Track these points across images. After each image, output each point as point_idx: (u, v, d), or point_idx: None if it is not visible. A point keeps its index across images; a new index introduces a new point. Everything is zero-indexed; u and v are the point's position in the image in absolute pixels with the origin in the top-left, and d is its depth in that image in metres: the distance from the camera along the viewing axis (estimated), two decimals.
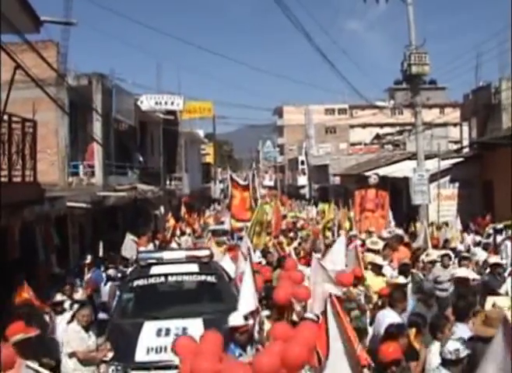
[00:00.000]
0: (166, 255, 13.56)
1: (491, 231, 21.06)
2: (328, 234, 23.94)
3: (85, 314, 10.07)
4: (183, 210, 33.17)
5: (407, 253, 15.60)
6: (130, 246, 20.39)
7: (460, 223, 23.18)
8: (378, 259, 13.02)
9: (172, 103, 42.33)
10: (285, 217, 36.27)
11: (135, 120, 34.16)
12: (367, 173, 43.32)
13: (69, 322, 10.10)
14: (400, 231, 21.99)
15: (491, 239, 19.38)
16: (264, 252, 17.01)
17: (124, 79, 33.29)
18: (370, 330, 9.82)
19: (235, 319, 8.29)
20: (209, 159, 73.56)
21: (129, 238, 20.77)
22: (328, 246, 18.08)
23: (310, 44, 25.09)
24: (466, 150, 37.98)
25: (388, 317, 8.87)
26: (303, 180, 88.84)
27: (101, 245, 19.08)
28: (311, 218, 35.79)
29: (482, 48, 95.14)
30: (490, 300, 8.73)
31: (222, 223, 34.98)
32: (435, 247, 17.60)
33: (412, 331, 8.14)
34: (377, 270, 12.47)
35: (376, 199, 25.65)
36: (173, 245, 23.93)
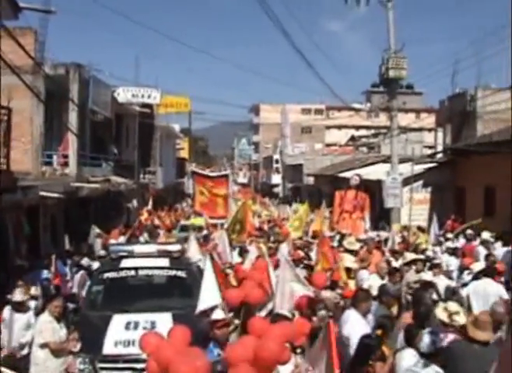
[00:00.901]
0: (137, 248, 13.48)
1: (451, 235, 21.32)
2: (301, 234, 23.67)
3: (57, 305, 10.05)
4: (150, 204, 32.88)
5: (381, 257, 15.53)
6: (94, 239, 20.22)
7: (438, 228, 23.09)
8: (349, 263, 12.97)
9: (149, 96, 42.22)
10: (259, 216, 36.23)
11: (111, 112, 34.03)
12: (343, 174, 43.51)
13: (38, 313, 10.06)
14: (376, 234, 21.88)
15: (458, 243, 19.55)
16: (242, 251, 16.87)
17: (102, 70, 33.12)
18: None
19: (214, 313, 8.30)
20: (184, 154, 73.45)
21: (94, 231, 20.57)
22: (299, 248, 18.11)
23: (289, 43, 25.07)
24: (440, 155, 38.24)
25: (351, 316, 8.95)
26: (276, 179, 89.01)
27: (67, 237, 18.94)
28: (283, 218, 35.62)
29: (460, 56, 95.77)
30: (441, 305, 8.83)
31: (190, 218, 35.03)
32: (406, 250, 17.69)
33: (379, 332, 8.21)
34: (350, 273, 12.41)
35: (355, 200, 25.50)
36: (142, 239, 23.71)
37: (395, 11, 27.64)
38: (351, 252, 15.62)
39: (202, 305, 9.03)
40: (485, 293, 11.55)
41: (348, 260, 13.94)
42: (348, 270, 12.80)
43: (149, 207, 31.75)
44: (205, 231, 23.84)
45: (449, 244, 19.48)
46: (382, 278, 12.28)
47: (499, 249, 17.71)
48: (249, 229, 22.26)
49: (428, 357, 7.03)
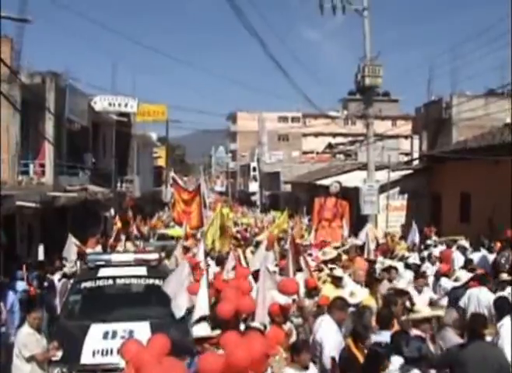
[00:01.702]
0: (114, 257, 13.48)
1: (431, 242, 21.33)
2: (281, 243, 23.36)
3: (36, 316, 10.02)
4: (128, 215, 32.62)
5: (363, 264, 15.27)
6: (70, 249, 19.90)
7: (417, 234, 22.97)
8: (338, 271, 12.78)
9: (126, 105, 42.07)
10: (235, 224, 36.13)
11: (88, 121, 33.93)
12: (320, 182, 43.64)
13: (19, 326, 9.99)
14: (357, 242, 21.47)
15: (434, 250, 19.54)
16: (219, 260, 16.72)
17: (79, 79, 33.02)
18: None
19: (200, 329, 8.16)
20: (161, 163, 73.24)
21: (71, 240, 20.33)
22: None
23: (265, 52, 25.10)
24: (416, 162, 38.51)
25: (324, 322, 9.00)
26: (254, 187, 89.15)
27: (41, 248, 18.63)
28: (263, 226, 35.35)
29: (435, 63, 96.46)
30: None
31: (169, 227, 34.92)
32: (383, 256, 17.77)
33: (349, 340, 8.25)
34: (337, 282, 12.13)
35: (335, 208, 24.97)
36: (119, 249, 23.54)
37: (371, 19, 27.81)
38: (326, 262, 15.50)
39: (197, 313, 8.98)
40: (478, 300, 11.63)
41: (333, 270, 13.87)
42: (334, 278, 12.48)
43: (128, 216, 31.54)
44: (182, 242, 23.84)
45: (430, 251, 19.44)
46: (361, 285, 12.18)
47: (475, 255, 17.86)
48: (230, 235, 22.27)
49: (412, 363, 7.11)
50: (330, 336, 8.71)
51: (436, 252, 18.64)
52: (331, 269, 13.92)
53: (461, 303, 11.76)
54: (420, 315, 8.83)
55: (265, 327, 8.62)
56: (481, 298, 11.64)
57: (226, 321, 8.96)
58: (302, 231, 26.76)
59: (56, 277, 15.93)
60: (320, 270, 14.33)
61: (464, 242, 19.19)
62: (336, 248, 18.48)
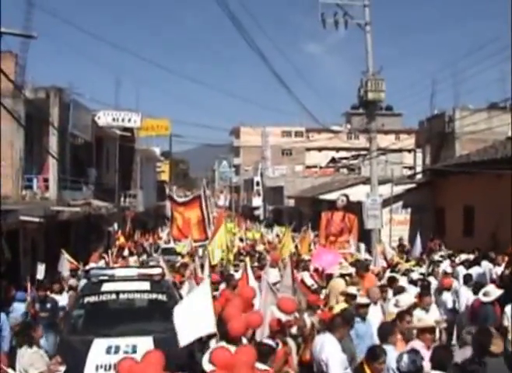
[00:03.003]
0: (118, 272, 13.48)
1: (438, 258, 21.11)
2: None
3: (38, 334, 9.99)
4: (128, 227, 32.42)
5: (373, 281, 15.05)
6: (63, 265, 19.78)
7: (420, 248, 22.81)
8: (351, 289, 12.56)
9: (129, 120, 42.28)
10: (241, 240, 35.85)
11: (92, 136, 34.04)
12: (323, 196, 43.68)
13: (21, 345, 9.91)
14: (368, 257, 21.07)
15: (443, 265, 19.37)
16: (224, 276, 16.53)
17: (82, 94, 33.18)
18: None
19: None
20: (165, 177, 73.34)
21: (64, 256, 20.18)
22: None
23: (266, 66, 25.19)
24: (419, 176, 38.51)
25: (328, 341, 8.95)
26: (257, 201, 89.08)
27: (41, 267, 18.33)
28: (269, 242, 34.72)
29: (438, 77, 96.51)
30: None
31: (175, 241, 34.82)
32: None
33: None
34: (351, 300, 11.96)
35: (343, 223, 24.60)
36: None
37: (373, 34, 27.89)
38: (344, 276, 15.37)
39: (197, 332, 8.82)
40: None
41: (343, 286, 13.72)
42: (348, 296, 12.29)
43: (127, 230, 31.46)
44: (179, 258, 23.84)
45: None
46: (375, 303, 11.95)
47: (474, 269, 17.77)
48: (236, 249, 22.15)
49: None
50: (335, 356, 8.67)
51: (444, 266, 18.55)
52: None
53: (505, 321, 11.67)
54: (425, 323, 8.78)
55: (277, 344, 8.56)
56: None
57: (237, 337, 8.94)
58: (308, 246, 26.44)
59: (62, 297, 15.48)
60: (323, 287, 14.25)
61: (467, 256, 19.09)
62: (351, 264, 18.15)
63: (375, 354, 7.92)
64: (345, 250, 22.79)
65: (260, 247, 31.46)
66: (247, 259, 15.73)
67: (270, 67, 25.68)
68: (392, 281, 14.34)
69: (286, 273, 12.76)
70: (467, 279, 15.41)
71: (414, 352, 7.49)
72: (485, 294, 12.33)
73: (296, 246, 25.45)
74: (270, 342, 8.27)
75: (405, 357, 7.28)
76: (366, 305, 11.24)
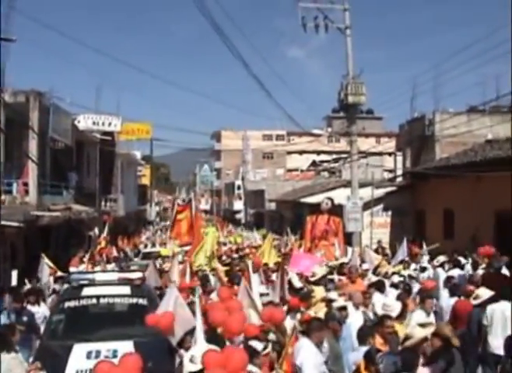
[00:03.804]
0: (98, 276, 13.41)
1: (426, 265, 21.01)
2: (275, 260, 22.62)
3: (15, 339, 9.91)
4: (106, 233, 31.74)
5: (363, 285, 14.98)
6: (43, 269, 19.54)
7: (405, 252, 22.62)
8: (332, 294, 12.54)
9: (109, 124, 42.04)
10: (224, 244, 35.56)
11: (72, 140, 33.88)
12: (304, 200, 43.74)
13: None
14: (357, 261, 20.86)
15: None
16: (203, 281, 16.46)
17: (63, 98, 32.98)
18: None
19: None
20: (146, 181, 73.22)
21: (44, 261, 19.98)
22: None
23: (247, 71, 25.23)
24: (400, 179, 38.66)
25: (304, 346, 8.97)
26: (239, 205, 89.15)
27: (15, 273, 17.95)
28: (255, 246, 34.09)
29: (418, 80, 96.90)
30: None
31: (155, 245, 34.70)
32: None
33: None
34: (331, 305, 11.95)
35: (328, 226, 24.69)
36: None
37: (353, 38, 28.03)
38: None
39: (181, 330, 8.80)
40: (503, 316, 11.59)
41: (321, 291, 13.72)
42: (329, 302, 12.26)
43: (105, 234, 31.05)
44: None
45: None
46: (357, 308, 11.93)
47: (454, 271, 17.87)
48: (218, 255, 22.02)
49: None
50: (310, 361, 8.69)
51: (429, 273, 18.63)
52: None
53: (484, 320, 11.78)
54: (417, 338, 8.73)
55: (265, 347, 8.56)
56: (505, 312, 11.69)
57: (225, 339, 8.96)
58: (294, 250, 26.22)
59: (40, 309, 14.52)
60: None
61: (444, 258, 19.16)
62: (331, 267, 18.10)
63: (372, 357, 7.96)
64: (329, 253, 22.81)
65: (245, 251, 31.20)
66: (249, 262, 15.57)
67: (250, 72, 25.71)
68: (380, 285, 14.35)
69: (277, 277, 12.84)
70: (448, 281, 15.50)
71: (393, 354, 7.50)
72: (475, 298, 12.30)
73: (280, 250, 25.43)
74: (255, 344, 8.28)
75: (385, 359, 7.30)
76: (344, 308, 11.31)
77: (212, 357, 6.49)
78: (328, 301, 11.97)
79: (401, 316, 10.78)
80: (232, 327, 9.04)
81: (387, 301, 11.96)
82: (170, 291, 10.44)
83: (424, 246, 22.89)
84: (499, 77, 53.98)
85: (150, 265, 17.05)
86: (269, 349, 8.74)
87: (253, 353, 7.75)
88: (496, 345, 11.30)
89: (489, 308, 11.79)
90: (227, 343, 9.28)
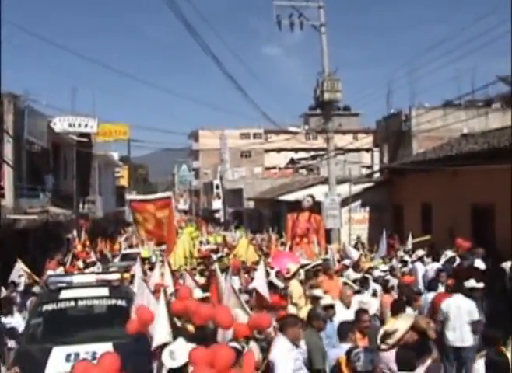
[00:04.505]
0: (76, 279, 13.34)
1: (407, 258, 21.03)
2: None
3: None
4: (84, 236, 31.39)
5: (339, 282, 14.91)
6: (17, 274, 19.32)
7: (385, 248, 22.61)
8: (317, 292, 12.58)
9: (86, 126, 41.84)
10: (201, 242, 35.30)
11: (48, 142, 33.69)
12: (282, 197, 43.78)
13: None
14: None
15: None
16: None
17: (38, 100, 32.74)
18: None
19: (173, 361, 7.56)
20: (124, 182, 72.93)
21: (19, 265, 19.75)
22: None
23: (220, 69, 25.16)
24: (377, 175, 38.80)
25: (278, 342, 8.97)
26: (217, 204, 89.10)
27: None
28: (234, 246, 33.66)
29: (394, 76, 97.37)
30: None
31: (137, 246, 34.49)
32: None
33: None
34: (317, 302, 11.95)
35: (309, 223, 24.56)
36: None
37: (329, 35, 28.08)
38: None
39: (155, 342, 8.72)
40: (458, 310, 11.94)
41: (296, 286, 13.76)
42: (314, 299, 12.23)
43: (82, 238, 30.73)
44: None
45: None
46: (348, 307, 11.79)
47: (433, 265, 18.02)
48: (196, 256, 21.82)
49: None
50: (282, 356, 8.70)
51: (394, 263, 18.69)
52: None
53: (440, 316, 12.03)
54: (399, 334, 8.73)
55: (243, 348, 8.56)
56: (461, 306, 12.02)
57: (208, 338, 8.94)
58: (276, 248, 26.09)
59: (13, 320, 13.88)
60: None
61: (423, 252, 19.28)
62: (314, 266, 18.07)
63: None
64: (310, 251, 22.78)
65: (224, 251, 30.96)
66: (216, 264, 15.52)
67: (225, 71, 25.65)
68: (364, 282, 14.39)
69: (259, 275, 12.82)
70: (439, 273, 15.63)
71: (370, 350, 7.50)
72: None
73: (262, 249, 25.38)
74: (236, 345, 8.28)
75: (362, 356, 7.28)
76: (332, 306, 11.32)
77: (199, 354, 6.48)
78: (314, 299, 12.02)
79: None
80: (222, 320, 9.04)
81: (363, 298, 12.06)
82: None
83: (410, 239, 22.93)
84: (474, 71, 54.29)
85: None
86: (246, 349, 8.76)
87: (236, 355, 7.76)
88: (453, 338, 11.84)
89: (445, 302, 12.19)
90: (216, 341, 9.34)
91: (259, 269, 12.78)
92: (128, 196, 23.93)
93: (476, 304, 12.33)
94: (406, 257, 20.18)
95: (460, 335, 11.88)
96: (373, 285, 14.90)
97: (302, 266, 17.32)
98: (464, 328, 11.78)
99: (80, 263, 23.97)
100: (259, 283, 12.17)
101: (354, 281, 14.31)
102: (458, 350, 11.77)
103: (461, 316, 11.86)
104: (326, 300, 11.56)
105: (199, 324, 9.41)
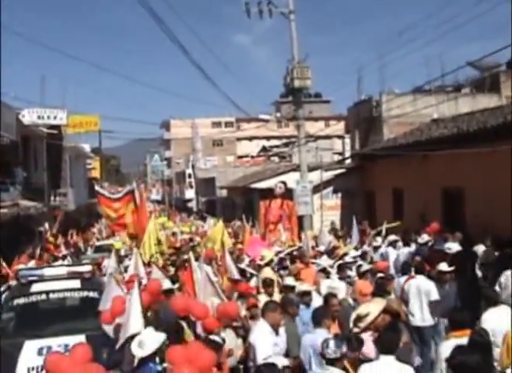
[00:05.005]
0: (47, 271, 13.27)
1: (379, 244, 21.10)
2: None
3: None
4: (56, 227, 31.12)
5: (314, 271, 14.82)
6: None
7: (357, 234, 22.66)
8: (289, 280, 12.62)
9: (55, 117, 41.53)
10: (173, 234, 35.05)
11: (17, 135, 33.39)
12: (255, 185, 43.81)
13: None
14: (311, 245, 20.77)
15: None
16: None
17: (6, 92, 32.46)
18: None
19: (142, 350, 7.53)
20: (96, 174, 72.46)
21: None
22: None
23: (187, 58, 24.94)
24: (349, 161, 38.91)
25: (258, 326, 9.18)
26: (190, 193, 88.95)
27: None
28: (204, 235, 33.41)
29: (364, 63, 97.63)
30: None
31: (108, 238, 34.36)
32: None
33: None
34: (289, 292, 12.04)
35: (281, 210, 24.76)
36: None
37: (298, 22, 28.04)
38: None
39: (128, 332, 8.67)
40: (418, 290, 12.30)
41: (268, 273, 13.82)
42: (287, 288, 12.28)
43: (54, 230, 30.41)
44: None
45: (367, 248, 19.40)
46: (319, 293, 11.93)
47: (404, 249, 18.20)
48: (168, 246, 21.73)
49: (333, 363, 7.21)
50: (261, 339, 8.80)
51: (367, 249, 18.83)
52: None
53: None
54: (371, 317, 8.79)
55: (224, 341, 8.60)
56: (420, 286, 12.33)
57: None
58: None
59: None
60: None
61: (395, 237, 19.43)
62: (289, 254, 18.03)
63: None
64: (282, 238, 22.83)
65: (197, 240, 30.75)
66: (190, 254, 15.47)
67: (192, 61, 25.45)
68: (341, 269, 14.44)
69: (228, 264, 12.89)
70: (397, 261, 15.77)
71: (337, 337, 7.54)
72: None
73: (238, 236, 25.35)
74: (216, 338, 8.30)
75: (331, 343, 7.32)
76: (308, 293, 11.41)
77: (178, 352, 6.47)
78: (286, 288, 12.07)
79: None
80: (197, 312, 9.07)
81: (331, 283, 12.16)
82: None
83: (385, 225, 23.04)
84: (443, 57, 54.63)
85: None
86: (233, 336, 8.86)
87: (216, 348, 7.77)
88: (414, 318, 12.17)
89: (407, 284, 12.61)
90: (188, 333, 9.36)
91: (226, 258, 12.92)
92: (97, 188, 23.66)
93: (446, 287, 12.59)
94: (378, 242, 20.32)
95: (420, 315, 12.23)
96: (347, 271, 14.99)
97: (277, 254, 17.43)
98: (424, 308, 12.14)
99: (48, 256, 23.70)
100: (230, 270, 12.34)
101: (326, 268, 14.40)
102: (420, 329, 12.02)
103: (420, 297, 12.23)
104: (302, 286, 11.68)
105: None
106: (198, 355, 6.25)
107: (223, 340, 8.55)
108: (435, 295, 12.20)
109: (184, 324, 9.70)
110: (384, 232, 22.32)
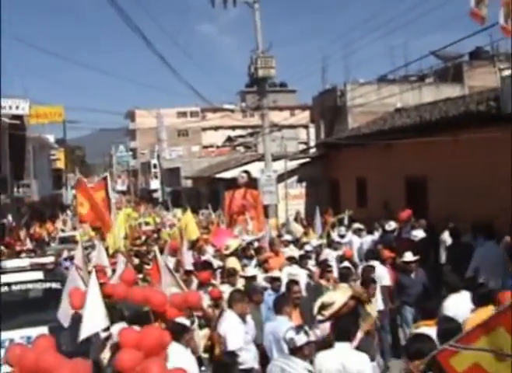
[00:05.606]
0: (9, 263, 13.19)
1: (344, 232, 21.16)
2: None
3: None
4: (24, 219, 30.83)
5: (283, 259, 14.86)
6: None
7: (320, 225, 22.71)
8: (251, 270, 12.69)
9: (17, 108, 41.05)
10: (139, 225, 34.76)
11: None
12: (220, 175, 43.82)
13: None
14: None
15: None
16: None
17: None
18: None
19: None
20: (60, 165, 71.87)
21: None
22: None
23: (150, 49, 24.79)
24: (313, 150, 39.01)
25: (227, 317, 9.19)
26: (155, 184, 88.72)
27: None
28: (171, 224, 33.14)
29: (328, 52, 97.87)
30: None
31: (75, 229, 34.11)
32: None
33: None
34: (251, 280, 11.95)
35: (245, 200, 24.48)
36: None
37: (262, 12, 28.08)
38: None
39: (89, 329, 8.54)
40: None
41: (236, 264, 13.89)
42: (247, 278, 12.33)
43: (23, 222, 30.14)
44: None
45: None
46: None
47: (368, 237, 18.40)
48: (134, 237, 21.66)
49: (294, 352, 7.17)
50: (232, 329, 8.86)
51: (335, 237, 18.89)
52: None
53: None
54: (337, 306, 8.69)
55: (192, 322, 8.61)
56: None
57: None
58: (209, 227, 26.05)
59: None
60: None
61: (359, 225, 19.60)
62: (250, 243, 18.05)
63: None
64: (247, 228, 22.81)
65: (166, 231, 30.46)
66: (156, 246, 15.38)
67: (155, 51, 25.27)
68: (303, 258, 14.53)
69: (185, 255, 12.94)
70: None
71: (299, 327, 7.50)
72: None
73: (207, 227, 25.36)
74: (183, 320, 8.23)
75: (287, 335, 7.28)
76: (278, 279, 11.53)
77: (127, 335, 6.42)
78: (246, 279, 12.12)
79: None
80: (155, 301, 9.03)
81: (292, 270, 12.29)
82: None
83: (347, 213, 23.18)
84: (407, 46, 54.99)
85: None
86: (195, 324, 8.86)
87: (183, 330, 7.73)
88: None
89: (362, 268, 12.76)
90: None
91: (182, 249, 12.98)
92: (78, 176, 23.52)
93: (411, 276, 12.75)
94: (342, 231, 20.43)
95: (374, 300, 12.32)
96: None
97: (247, 244, 17.50)
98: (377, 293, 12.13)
99: (9, 252, 23.45)
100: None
101: (292, 258, 14.48)
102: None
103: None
104: (275, 273, 11.85)
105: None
106: (146, 337, 6.20)
107: (192, 322, 8.57)
108: (386, 281, 12.44)
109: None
110: (346, 221, 22.50)
